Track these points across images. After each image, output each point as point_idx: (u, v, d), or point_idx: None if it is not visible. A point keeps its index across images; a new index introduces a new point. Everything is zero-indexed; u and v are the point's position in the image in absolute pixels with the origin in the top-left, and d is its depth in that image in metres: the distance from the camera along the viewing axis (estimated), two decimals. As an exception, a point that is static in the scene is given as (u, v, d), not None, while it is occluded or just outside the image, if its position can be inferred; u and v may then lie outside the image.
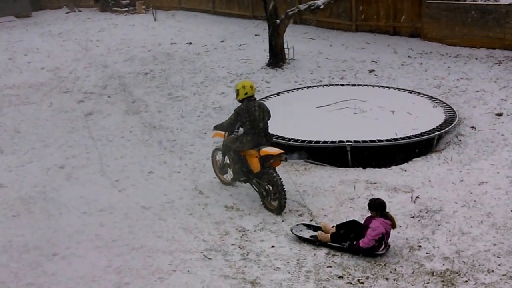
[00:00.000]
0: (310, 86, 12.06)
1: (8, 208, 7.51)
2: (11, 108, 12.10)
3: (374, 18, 15.64)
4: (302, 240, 6.29)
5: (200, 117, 11.22)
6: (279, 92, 11.78)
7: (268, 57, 13.94)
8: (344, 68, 13.21)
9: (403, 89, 11.32)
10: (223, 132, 7.68)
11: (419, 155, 8.73)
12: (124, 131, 10.61)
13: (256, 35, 17.01)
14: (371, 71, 12.86)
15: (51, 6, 29.13)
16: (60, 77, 14.40)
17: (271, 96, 11.55)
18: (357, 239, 5.89)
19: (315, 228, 6.40)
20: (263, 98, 11.44)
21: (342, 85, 11.95)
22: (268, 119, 7.36)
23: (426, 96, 10.75)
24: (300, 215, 6.95)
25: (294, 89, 11.99)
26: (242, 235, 6.51)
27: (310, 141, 8.80)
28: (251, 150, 7.19)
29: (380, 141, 8.59)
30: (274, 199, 7.05)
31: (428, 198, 7.02)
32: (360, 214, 6.68)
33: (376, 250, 5.83)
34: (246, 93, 7.21)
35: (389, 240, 5.94)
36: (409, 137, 8.70)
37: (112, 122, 11.13)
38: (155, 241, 6.46)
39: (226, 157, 7.73)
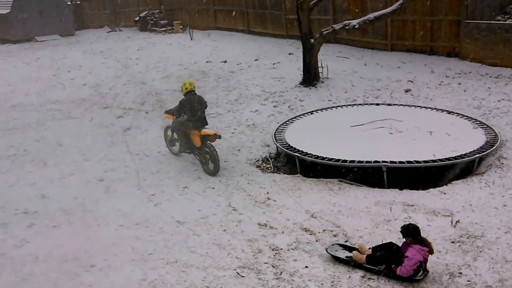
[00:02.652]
0: (344, 105, 11.93)
1: (50, 219, 7.62)
2: (54, 122, 12.37)
3: (410, 37, 15.43)
4: (336, 260, 6.13)
5: (234, 134, 11.22)
6: (312, 111, 11.69)
7: (302, 75, 13.90)
8: (379, 87, 13.03)
9: (441, 110, 11.04)
10: (172, 115, 9.81)
11: (459, 177, 8.44)
12: (161, 146, 10.68)
13: (290, 54, 17.01)
14: (407, 90, 12.63)
15: (93, 26, 30.01)
16: (101, 93, 14.70)
17: (305, 115, 11.48)
18: (393, 263, 5.69)
19: (351, 249, 6.23)
20: (296, 117, 11.40)
21: (377, 104, 11.77)
22: (205, 109, 9.59)
23: (465, 117, 10.44)
24: (335, 236, 6.80)
25: (328, 107, 11.88)
26: (275, 253, 6.40)
27: (344, 161, 8.65)
28: (194, 130, 9.36)
29: (417, 162, 8.36)
30: (211, 164, 9.23)
31: (469, 223, 6.75)
32: (397, 237, 6.48)
33: (414, 276, 5.63)
34: (187, 88, 9.39)
35: (427, 265, 5.71)
36: (448, 159, 8.43)
37: (149, 137, 11.24)
38: (189, 256, 6.43)
39: (174, 133, 9.90)
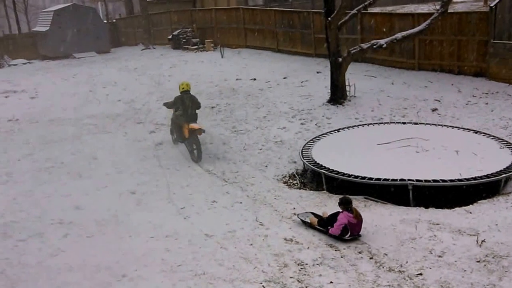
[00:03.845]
0: (370, 123, 11.92)
1: (84, 229, 7.84)
2: (90, 136, 12.74)
3: (437, 57, 15.36)
4: (302, 222, 7.69)
5: (261, 151, 11.33)
6: (339, 128, 11.73)
7: (330, 93, 13.95)
8: (406, 106, 12.98)
9: (467, 129, 10.94)
10: (169, 108, 11.78)
11: (485, 197, 8.32)
12: (191, 161, 10.88)
13: (318, 72, 17.11)
14: (434, 110, 12.55)
15: (128, 43, 30.77)
16: (135, 108, 15.06)
17: (332, 132, 11.51)
18: (331, 226, 7.29)
19: (317, 216, 7.69)
20: (323, 134, 11.45)
21: (404, 123, 11.72)
22: (197, 108, 11.14)
23: (492, 137, 10.32)
24: (360, 252, 6.79)
25: (355, 125, 11.89)
26: (301, 268, 6.44)
27: (370, 178, 8.65)
28: (185, 124, 10.88)
29: (443, 181, 8.29)
30: (196, 154, 10.81)
31: (495, 243, 6.65)
32: (422, 255, 6.43)
33: (343, 236, 7.13)
34: (183, 88, 11.13)
35: (361, 231, 7.23)
36: (474, 178, 8.33)
37: (179, 152, 11.45)
38: (217, 268, 6.52)
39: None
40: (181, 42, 25.37)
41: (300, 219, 7.81)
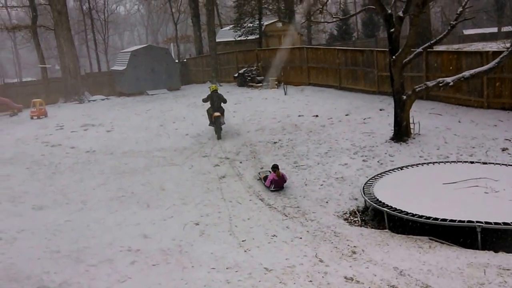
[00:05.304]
0: (436, 162, 11.47)
1: (150, 258, 8.01)
2: (158, 168, 13.16)
3: (508, 95, 14.65)
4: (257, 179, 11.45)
5: (323, 186, 11.19)
6: (403, 166, 11.37)
7: (393, 131, 13.63)
8: (474, 145, 12.41)
9: (540, 170, 10.27)
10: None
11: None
12: (252, 195, 10.93)
13: (381, 110, 16.82)
14: (504, 149, 11.90)
15: (197, 81, 31.90)
16: (201, 142, 15.44)
17: (395, 170, 11.18)
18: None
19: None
20: (385, 171, 11.15)
21: (472, 162, 11.17)
22: (223, 102, 16.18)
23: None
24: (424, 295, 6.44)
25: (419, 164, 11.49)
26: (362, 308, 6.19)
27: (436, 218, 8.26)
28: (212, 113, 15.74)
29: (514, 224, 7.77)
30: (217, 132, 15.63)
31: None
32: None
33: (270, 188, 11.14)
34: (212, 89, 16.26)
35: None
36: (548, 222, 7.76)
37: (242, 186, 11.55)
38: (276, 304, 6.40)
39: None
40: (246, 80, 25.93)
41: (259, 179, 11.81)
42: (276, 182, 11.10)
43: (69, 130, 18.50)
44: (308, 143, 14.17)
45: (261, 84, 25.02)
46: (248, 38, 30.85)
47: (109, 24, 47.15)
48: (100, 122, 19.59)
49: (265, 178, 11.47)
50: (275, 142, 14.61)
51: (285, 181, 11.27)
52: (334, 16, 20.98)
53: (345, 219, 9.69)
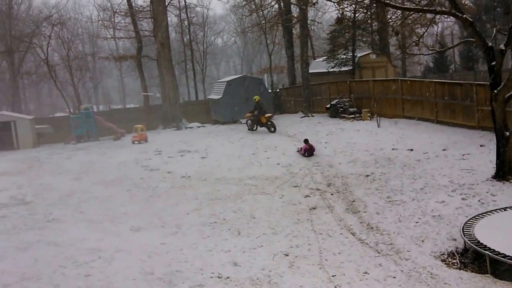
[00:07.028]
0: (546, 204, 10.50)
1: (239, 286, 8.08)
2: (250, 196, 13.36)
3: None
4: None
5: (418, 224, 10.66)
6: (507, 207, 10.53)
7: (495, 169, 12.72)
8: None
9: None
10: (249, 114, 23.87)
11: None
12: (343, 228, 10.69)
13: (481, 146, 15.81)
14: None
15: (289, 111, 32.26)
16: (292, 172, 15.47)
17: (497, 210, 10.39)
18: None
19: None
20: (488, 212, 10.40)
21: None
22: (265, 108, 23.96)
23: None
24: None
25: (526, 205, 10.58)
26: None
27: (546, 267, 7.51)
28: (262, 116, 23.12)
29: None
30: (273, 128, 23.03)
31: None
32: None
33: (304, 155, 17.06)
34: (257, 101, 23.58)
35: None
36: None
37: (332, 218, 11.35)
38: None
39: (250, 121, 23.96)
40: (338, 111, 25.75)
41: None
42: (307, 150, 17.15)
43: (167, 155, 19.47)
44: (402, 178, 13.65)
45: (353, 116, 24.71)
46: (341, 69, 30.79)
47: (207, 55, 49.48)
48: (196, 148, 20.40)
49: (300, 149, 17.52)
50: (367, 175, 14.26)
51: (314, 150, 17.28)
52: (430, 48, 20.33)
53: (442, 260, 9.12)
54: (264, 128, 23.53)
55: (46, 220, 12.02)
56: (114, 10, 38.33)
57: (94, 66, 57.50)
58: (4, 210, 12.93)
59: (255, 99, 23.69)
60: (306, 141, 17.49)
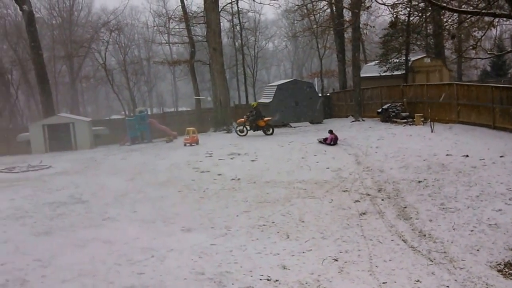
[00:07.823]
0: None
1: (288, 290, 8.07)
2: (299, 200, 13.32)
3: None
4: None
5: (473, 232, 10.26)
6: None
7: (559, 177, 12.08)
8: None
9: None
10: (243, 119, 25.66)
11: None
12: (394, 234, 10.46)
13: (543, 153, 15.04)
14: None
15: (339, 115, 31.94)
16: (341, 177, 15.29)
17: (562, 222, 9.84)
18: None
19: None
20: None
21: None
22: (261, 112, 25.65)
23: None
24: None
25: None
26: None
27: None
28: (260, 120, 25.14)
29: None
30: (270, 131, 25.35)
31: None
32: None
33: (330, 144, 19.82)
34: (255, 106, 25.79)
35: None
36: None
37: (383, 224, 11.12)
38: None
39: (242, 126, 25.87)
40: (390, 116, 25.24)
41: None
42: (332, 139, 19.92)
43: (217, 157, 19.74)
44: (457, 185, 13.18)
45: (405, 120, 24.13)
46: (393, 73, 30.17)
47: (258, 59, 49.84)
48: (246, 151, 20.56)
49: (324, 139, 20.29)
50: (419, 181, 13.88)
51: (337, 139, 20.11)
52: (488, 52, 19.55)
53: (498, 271, 8.75)
54: (316, 129, 23.67)
55: (101, 219, 12.47)
56: (169, 16, 39.45)
57: (149, 71, 59.31)
58: (63, 208, 13.53)
59: (252, 104, 26.08)
60: (330, 131, 20.38)
